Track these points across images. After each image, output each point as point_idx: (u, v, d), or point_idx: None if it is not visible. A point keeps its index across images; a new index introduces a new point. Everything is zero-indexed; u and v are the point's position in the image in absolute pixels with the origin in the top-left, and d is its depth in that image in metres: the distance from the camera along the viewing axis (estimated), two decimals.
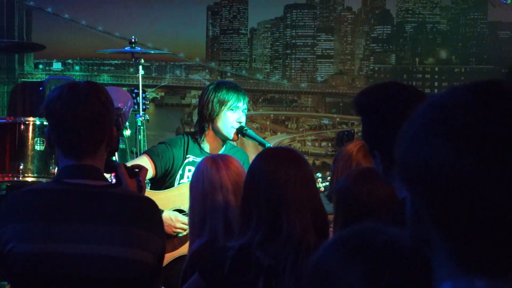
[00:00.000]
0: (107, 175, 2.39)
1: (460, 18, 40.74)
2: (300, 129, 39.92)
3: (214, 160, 2.71)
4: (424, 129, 0.94)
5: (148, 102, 5.67)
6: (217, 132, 3.76)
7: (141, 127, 5.59)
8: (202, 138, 3.79)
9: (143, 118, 5.59)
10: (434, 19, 41.03)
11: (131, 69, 35.79)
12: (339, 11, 43.82)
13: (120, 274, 2.09)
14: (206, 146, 3.81)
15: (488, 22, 40.10)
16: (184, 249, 3.52)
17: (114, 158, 2.53)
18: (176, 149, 3.77)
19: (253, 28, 44.15)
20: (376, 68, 40.54)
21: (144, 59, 5.65)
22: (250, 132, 3.74)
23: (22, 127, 3.85)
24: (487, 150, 0.89)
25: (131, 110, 4.75)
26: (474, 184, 0.89)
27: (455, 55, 39.85)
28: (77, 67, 38.49)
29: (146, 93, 5.66)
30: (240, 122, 3.72)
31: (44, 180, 3.81)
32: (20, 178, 3.81)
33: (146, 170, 2.53)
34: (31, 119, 3.88)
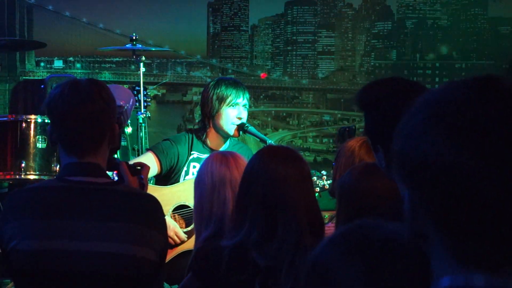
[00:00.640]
0: (109, 173, 2.39)
1: (461, 14, 40.64)
2: (302, 126, 39.88)
3: (224, 156, 2.71)
4: (422, 125, 0.94)
5: (149, 100, 5.68)
6: (218, 129, 3.76)
7: (143, 124, 5.60)
8: (205, 135, 3.80)
9: (144, 115, 5.60)
10: (434, 14, 40.93)
11: (132, 67, 35.75)
12: (340, 7, 43.73)
13: (121, 271, 2.09)
14: (209, 143, 3.81)
15: (488, 18, 40.00)
16: (187, 245, 3.52)
17: (116, 155, 2.52)
18: (180, 145, 3.78)
19: (254, 24, 44.06)
20: (377, 64, 40.46)
21: (145, 56, 5.65)
22: (251, 128, 3.74)
23: (24, 125, 3.85)
24: (486, 147, 0.89)
25: (133, 107, 4.76)
26: (473, 181, 0.89)
27: (455, 50, 39.74)
28: (78, 65, 38.48)
29: (148, 90, 5.66)
30: (240, 118, 3.73)
31: (46, 177, 3.81)
32: (22, 176, 3.81)
33: (148, 168, 2.53)
34: (32, 117, 3.88)
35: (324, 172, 3.70)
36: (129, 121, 4.90)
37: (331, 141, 36.95)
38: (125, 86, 5.07)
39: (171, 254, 3.46)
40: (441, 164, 0.91)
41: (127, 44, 5.66)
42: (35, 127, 3.87)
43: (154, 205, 2.25)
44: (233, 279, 2.18)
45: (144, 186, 2.45)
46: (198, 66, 42.73)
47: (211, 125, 3.77)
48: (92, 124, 2.16)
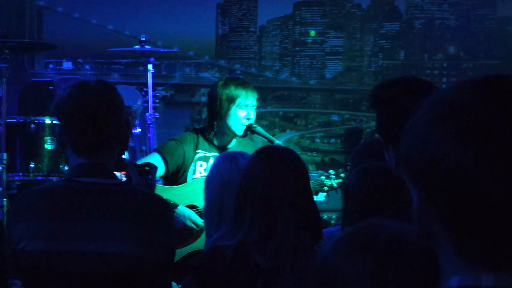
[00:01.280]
0: (117, 173, 2.40)
1: (469, 14, 40.45)
2: (309, 126, 39.73)
3: (234, 156, 2.70)
4: (429, 126, 0.94)
5: (158, 101, 5.67)
6: (226, 128, 3.75)
7: (151, 125, 5.60)
8: (212, 134, 3.80)
9: (153, 116, 5.59)
10: (442, 15, 40.76)
11: (141, 68, 35.72)
12: (348, 8, 43.62)
13: (129, 270, 2.10)
14: (216, 141, 3.81)
15: (497, 18, 39.79)
16: (197, 244, 3.52)
17: (124, 156, 2.53)
18: (186, 145, 3.78)
19: (263, 25, 43.87)
20: (385, 65, 40.33)
21: (154, 58, 5.65)
22: (259, 129, 3.74)
23: (33, 126, 3.87)
24: (489, 147, 0.89)
25: (140, 108, 4.76)
26: (476, 181, 0.89)
27: (463, 50, 39.53)
28: (87, 66, 38.51)
29: (156, 91, 5.66)
30: (249, 119, 3.73)
31: (54, 178, 3.83)
32: (31, 177, 3.83)
33: (156, 168, 2.54)
34: (41, 118, 3.90)
35: (331, 172, 3.69)
36: (137, 122, 4.90)
37: (338, 141, 36.84)
38: (134, 87, 5.08)
39: (180, 254, 3.46)
40: (446, 165, 0.91)
41: (136, 45, 5.65)
42: (43, 129, 3.89)
43: (162, 205, 2.25)
44: (234, 279, 2.18)
45: (152, 186, 2.46)
46: (207, 67, 42.63)
47: (219, 125, 3.77)
48: (101, 125, 2.16)
